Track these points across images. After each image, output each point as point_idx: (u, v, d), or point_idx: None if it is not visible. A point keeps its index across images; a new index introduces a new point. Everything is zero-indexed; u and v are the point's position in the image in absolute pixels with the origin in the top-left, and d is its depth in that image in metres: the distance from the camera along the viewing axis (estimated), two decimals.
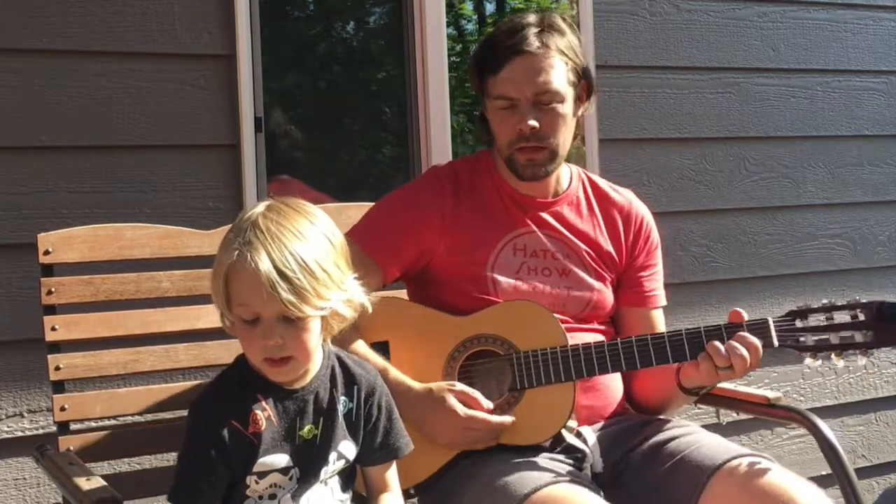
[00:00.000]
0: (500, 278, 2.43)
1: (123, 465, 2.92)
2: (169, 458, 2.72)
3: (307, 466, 1.95)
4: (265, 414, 1.92)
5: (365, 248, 2.40)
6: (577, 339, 2.40)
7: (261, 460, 1.91)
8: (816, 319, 2.36)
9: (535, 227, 2.51)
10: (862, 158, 4.49)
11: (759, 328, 2.33)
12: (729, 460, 2.25)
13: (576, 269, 2.50)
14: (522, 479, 2.16)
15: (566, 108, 2.44)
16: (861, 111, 4.49)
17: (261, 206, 1.92)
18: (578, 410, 2.37)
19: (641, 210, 2.63)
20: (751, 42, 4.26)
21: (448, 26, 3.85)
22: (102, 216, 2.52)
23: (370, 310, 2.02)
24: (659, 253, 2.65)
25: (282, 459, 1.93)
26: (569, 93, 2.44)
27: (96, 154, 3.21)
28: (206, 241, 2.49)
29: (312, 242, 1.88)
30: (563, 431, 2.33)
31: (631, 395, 2.57)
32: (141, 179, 3.24)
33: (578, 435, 2.37)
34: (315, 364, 1.99)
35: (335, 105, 3.95)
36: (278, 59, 3.72)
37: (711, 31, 4.19)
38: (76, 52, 3.18)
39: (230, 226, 1.94)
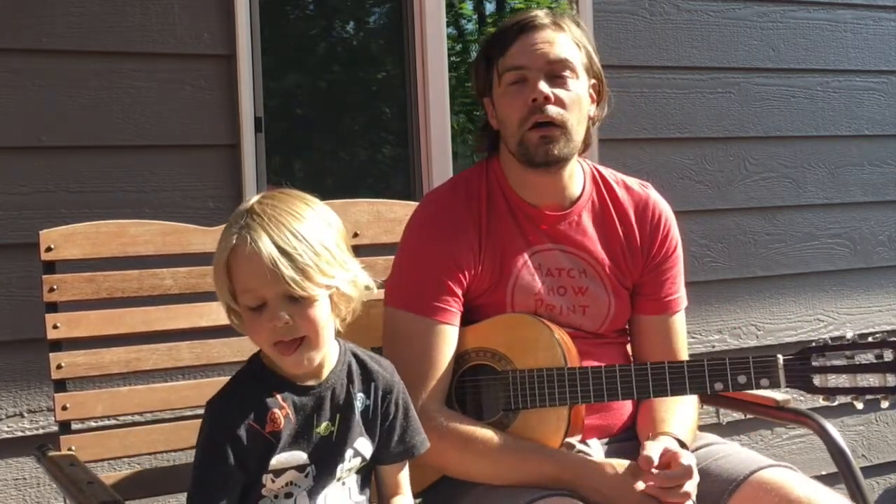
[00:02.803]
0: (520, 300, 2.33)
1: (124, 466, 2.91)
2: (170, 459, 2.72)
3: (323, 463, 1.93)
4: (283, 412, 1.89)
5: (424, 313, 2.27)
6: (592, 355, 2.32)
7: (277, 458, 1.89)
8: (835, 358, 2.15)
9: (550, 243, 2.37)
10: (862, 158, 4.50)
11: (766, 367, 2.18)
12: (755, 471, 2.21)
13: (592, 286, 2.37)
14: (516, 490, 2.14)
15: (580, 87, 2.30)
16: (861, 111, 4.50)
17: (256, 196, 1.91)
18: (582, 427, 2.29)
19: (659, 206, 2.46)
20: (751, 42, 4.27)
21: (448, 26, 3.85)
22: (102, 216, 2.52)
23: (375, 290, 1.99)
24: (679, 252, 2.48)
25: (299, 457, 1.91)
26: (583, 74, 2.31)
27: (96, 154, 3.21)
28: (210, 238, 2.45)
29: (311, 222, 1.87)
30: (569, 441, 2.26)
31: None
32: (141, 179, 3.24)
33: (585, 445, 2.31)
34: (330, 359, 1.97)
35: (335, 105, 3.95)
36: (278, 59, 3.72)
37: (711, 31, 4.19)
38: (76, 52, 3.18)
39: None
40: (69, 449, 2.37)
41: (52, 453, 2.35)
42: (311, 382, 1.94)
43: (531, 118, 2.27)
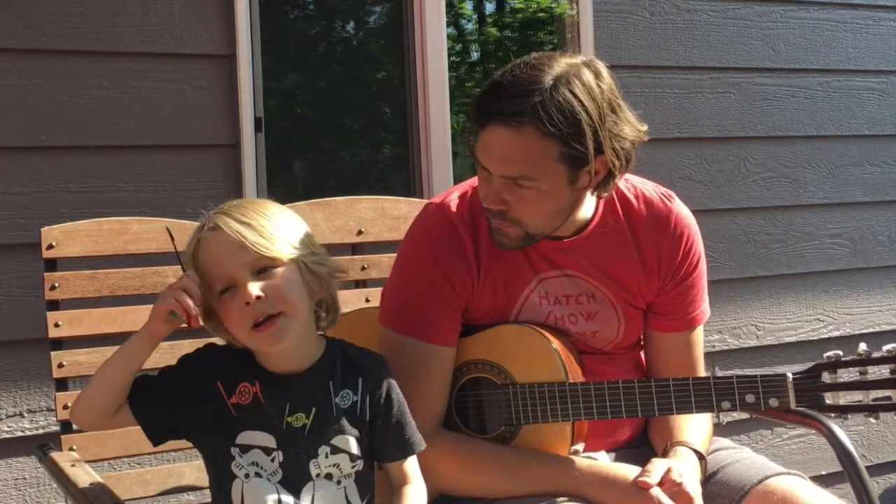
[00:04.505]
0: None
1: (124, 465, 2.91)
2: (171, 459, 2.71)
3: (292, 455, 1.92)
4: (254, 389, 1.92)
5: (417, 336, 2.20)
6: (600, 372, 2.27)
7: (243, 434, 1.91)
8: (847, 374, 2.05)
9: (556, 271, 2.25)
10: (862, 158, 4.51)
11: (775, 385, 2.10)
12: (762, 480, 2.20)
13: (601, 309, 2.28)
14: (520, 501, 2.13)
15: (550, 194, 2.10)
16: (861, 111, 4.50)
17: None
18: (586, 435, 2.25)
19: (681, 220, 2.32)
20: (751, 42, 4.28)
21: (448, 26, 3.86)
22: (102, 216, 2.52)
23: (346, 275, 2.05)
24: (702, 267, 2.35)
25: (266, 439, 1.91)
26: (559, 180, 2.09)
27: (96, 154, 3.21)
28: None
29: (275, 211, 1.97)
30: (575, 448, 2.23)
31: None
32: (141, 179, 3.24)
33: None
34: (313, 353, 1.98)
35: (335, 105, 3.95)
36: (278, 59, 3.72)
37: (711, 31, 4.20)
38: (76, 52, 3.18)
39: None
40: (70, 448, 2.36)
41: (53, 453, 2.34)
42: (289, 371, 1.95)
43: (487, 212, 2.18)
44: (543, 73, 2.06)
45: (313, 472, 1.93)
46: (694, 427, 2.29)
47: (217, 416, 1.92)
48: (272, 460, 1.91)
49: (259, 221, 1.90)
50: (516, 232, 2.16)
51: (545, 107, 2.02)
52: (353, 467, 1.98)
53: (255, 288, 1.87)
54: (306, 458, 1.93)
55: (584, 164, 2.08)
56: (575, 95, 2.05)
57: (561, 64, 2.09)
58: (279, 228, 1.92)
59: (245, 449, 1.91)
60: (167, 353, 2.48)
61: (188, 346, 2.48)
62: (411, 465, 2.07)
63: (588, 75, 2.08)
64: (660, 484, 2.08)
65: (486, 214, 2.19)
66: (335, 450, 1.95)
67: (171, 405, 1.95)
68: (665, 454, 2.21)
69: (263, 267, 1.89)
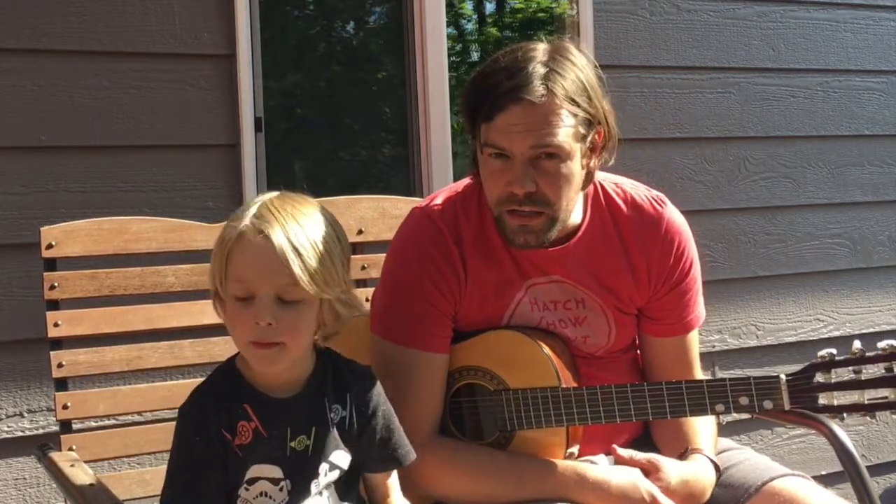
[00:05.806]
0: None
1: (124, 466, 2.90)
2: None
3: (299, 479, 1.89)
4: (252, 425, 1.86)
5: (408, 344, 2.19)
6: (594, 377, 2.26)
7: (251, 468, 1.86)
8: (841, 374, 2.04)
9: (545, 277, 2.24)
10: (862, 158, 4.51)
11: (768, 387, 2.09)
12: (767, 482, 2.20)
13: (590, 315, 2.27)
14: None
15: (572, 165, 2.09)
16: (861, 111, 4.50)
17: (270, 193, 1.90)
18: (581, 437, 2.25)
19: (673, 225, 2.29)
20: (751, 42, 4.28)
21: (448, 26, 3.86)
22: (102, 216, 2.53)
23: (362, 311, 1.98)
24: (695, 271, 2.33)
25: (272, 470, 1.87)
26: (577, 148, 2.08)
27: (96, 154, 3.21)
28: (214, 235, 2.36)
29: (324, 231, 1.86)
30: (570, 451, 2.23)
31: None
32: (141, 179, 3.24)
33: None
34: (306, 370, 1.93)
35: (335, 105, 3.95)
36: (278, 59, 3.72)
37: (711, 31, 4.20)
38: (76, 52, 3.18)
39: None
40: (70, 448, 2.35)
41: (52, 453, 2.33)
42: (284, 395, 1.90)
43: (510, 203, 2.11)
44: (535, 50, 2.11)
45: (314, 491, 1.91)
46: (706, 430, 2.29)
47: (230, 463, 1.86)
48: (280, 489, 1.88)
49: (309, 251, 1.80)
50: (542, 222, 2.12)
51: (553, 74, 2.06)
52: (338, 480, 1.96)
53: (269, 314, 1.80)
54: (309, 480, 1.90)
55: (592, 128, 2.11)
56: (572, 62, 2.10)
57: (543, 43, 2.15)
58: (324, 264, 1.82)
59: (252, 481, 1.87)
60: (166, 354, 2.50)
61: (188, 345, 2.50)
62: (394, 480, 2.04)
63: (573, 47, 2.15)
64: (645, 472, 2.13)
65: (504, 210, 2.13)
66: (333, 466, 1.93)
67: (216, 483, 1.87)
68: (682, 459, 2.22)
69: (290, 299, 1.81)
